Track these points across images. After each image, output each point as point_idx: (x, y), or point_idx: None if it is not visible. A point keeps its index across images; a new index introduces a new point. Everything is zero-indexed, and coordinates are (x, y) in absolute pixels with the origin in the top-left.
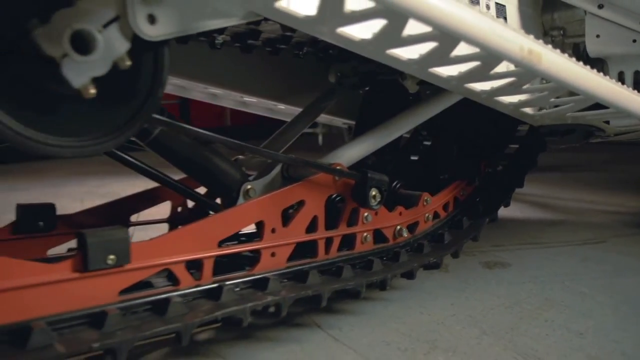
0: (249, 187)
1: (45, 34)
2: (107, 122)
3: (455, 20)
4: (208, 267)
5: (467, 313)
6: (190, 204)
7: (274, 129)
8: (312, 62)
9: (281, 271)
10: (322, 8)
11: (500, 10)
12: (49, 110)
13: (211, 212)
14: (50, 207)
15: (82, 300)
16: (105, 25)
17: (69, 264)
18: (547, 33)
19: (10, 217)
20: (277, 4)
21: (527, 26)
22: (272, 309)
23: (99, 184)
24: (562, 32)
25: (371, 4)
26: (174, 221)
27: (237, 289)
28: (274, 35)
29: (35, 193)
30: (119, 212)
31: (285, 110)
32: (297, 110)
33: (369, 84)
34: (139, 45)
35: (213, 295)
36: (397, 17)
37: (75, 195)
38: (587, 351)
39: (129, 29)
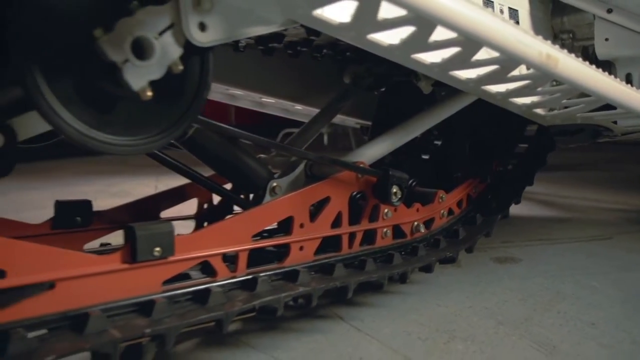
0: (274, 184)
1: (109, 41)
2: (158, 122)
3: (481, 27)
4: (243, 260)
5: (482, 305)
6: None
7: (276, 128)
8: (328, 63)
9: (309, 264)
10: (356, 16)
11: (513, 15)
12: (107, 112)
13: (235, 209)
14: (87, 203)
15: (131, 289)
16: (161, 33)
17: (119, 256)
18: (557, 36)
19: (27, 215)
20: (315, 12)
21: (538, 29)
22: (301, 300)
23: (108, 183)
24: (571, 35)
25: (403, 12)
26: (200, 218)
27: (270, 280)
28: (296, 38)
29: (46, 192)
30: (149, 209)
31: (302, 111)
32: (312, 110)
33: (384, 85)
34: (189, 51)
35: (248, 286)
36: (425, 25)
37: (86, 195)
38: (599, 340)
39: (182, 36)
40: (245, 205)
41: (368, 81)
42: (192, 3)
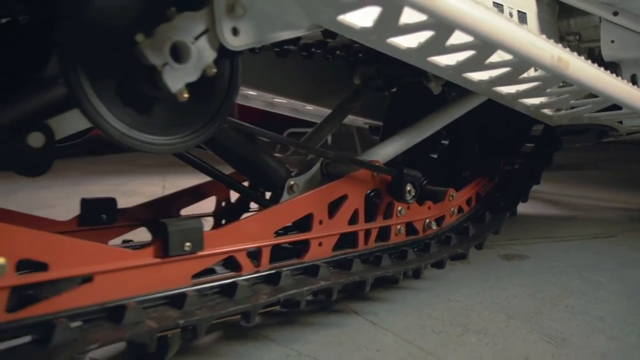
0: (292, 182)
1: (149, 45)
2: (192, 122)
3: (497, 32)
4: (266, 255)
5: (493, 300)
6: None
7: (280, 127)
8: (339, 64)
9: (328, 259)
10: (379, 21)
11: (522, 17)
12: (145, 113)
13: (251, 206)
14: (112, 201)
15: (162, 283)
16: (197, 37)
17: (151, 251)
18: (564, 38)
19: (38, 214)
20: (339, 18)
21: (545, 32)
22: (321, 296)
23: (116, 182)
24: (577, 37)
25: (423, 18)
26: (218, 215)
27: (292, 275)
28: (311, 40)
29: (56, 192)
30: (170, 206)
31: (312, 111)
32: (322, 110)
33: (394, 86)
34: (221, 54)
35: (271, 280)
36: (444, 29)
37: (97, 194)
38: (608, 333)
39: (216, 40)
40: (265, 203)
41: (378, 82)
42: (226, 9)
